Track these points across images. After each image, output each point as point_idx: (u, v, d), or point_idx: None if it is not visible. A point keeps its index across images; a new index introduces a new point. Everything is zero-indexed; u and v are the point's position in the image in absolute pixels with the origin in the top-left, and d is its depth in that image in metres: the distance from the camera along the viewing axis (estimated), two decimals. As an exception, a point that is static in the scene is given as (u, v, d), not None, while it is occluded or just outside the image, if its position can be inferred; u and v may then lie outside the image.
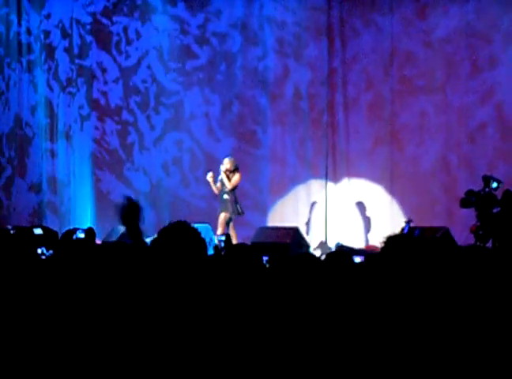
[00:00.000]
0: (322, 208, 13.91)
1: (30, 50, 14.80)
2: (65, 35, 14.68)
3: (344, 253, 4.33)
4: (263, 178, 14.11)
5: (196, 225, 3.50)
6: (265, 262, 3.85)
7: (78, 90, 14.68)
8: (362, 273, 3.88)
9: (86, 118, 14.67)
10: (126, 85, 14.55)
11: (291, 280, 3.43)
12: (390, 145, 13.66)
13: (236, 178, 12.61)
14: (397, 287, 3.25)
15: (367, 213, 13.78)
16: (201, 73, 14.37)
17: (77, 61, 14.67)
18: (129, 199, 4.40)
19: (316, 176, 13.96)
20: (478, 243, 10.96)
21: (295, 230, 12.44)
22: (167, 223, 3.35)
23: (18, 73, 14.78)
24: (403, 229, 11.70)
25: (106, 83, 14.65)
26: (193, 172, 14.29)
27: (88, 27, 14.65)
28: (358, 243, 13.34)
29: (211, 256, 3.98)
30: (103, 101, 14.63)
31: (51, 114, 14.72)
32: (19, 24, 14.81)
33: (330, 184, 13.91)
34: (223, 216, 12.55)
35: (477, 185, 11.59)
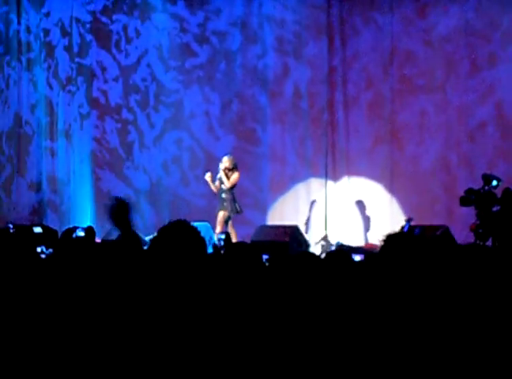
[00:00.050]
0: (322, 206, 13.91)
1: (30, 48, 14.78)
2: (65, 33, 14.67)
3: (343, 251, 4.33)
4: (263, 177, 14.11)
5: (196, 223, 3.51)
6: (264, 261, 3.85)
7: (78, 88, 14.67)
8: (361, 272, 3.88)
9: (86, 117, 14.66)
10: (125, 84, 14.55)
11: (290, 279, 3.43)
12: (390, 144, 13.66)
13: (235, 176, 12.59)
14: (396, 285, 3.25)
15: (367, 212, 13.78)
16: (200, 71, 14.37)
17: (76, 59, 14.66)
18: (117, 199, 4.39)
19: (316, 174, 13.96)
20: (478, 241, 10.95)
21: (294, 229, 12.43)
22: (166, 222, 3.34)
23: (18, 71, 14.77)
24: (403, 227, 11.70)
25: (106, 81, 14.64)
26: (193, 170, 14.27)
27: (88, 25, 14.63)
28: (358, 241, 13.34)
29: (210, 254, 3.98)
30: (102, 100, 14.62)
31: (51, 113, 14.71)
32: (18, 22, 14.80)
33: (330, 182, 13.92)
34: (221, 215, 12.54)
35: (477, 184, 11.58)
